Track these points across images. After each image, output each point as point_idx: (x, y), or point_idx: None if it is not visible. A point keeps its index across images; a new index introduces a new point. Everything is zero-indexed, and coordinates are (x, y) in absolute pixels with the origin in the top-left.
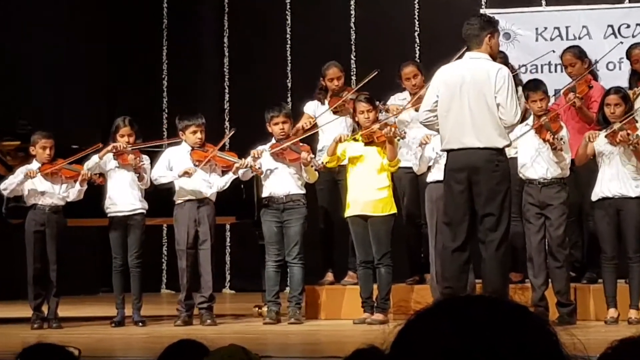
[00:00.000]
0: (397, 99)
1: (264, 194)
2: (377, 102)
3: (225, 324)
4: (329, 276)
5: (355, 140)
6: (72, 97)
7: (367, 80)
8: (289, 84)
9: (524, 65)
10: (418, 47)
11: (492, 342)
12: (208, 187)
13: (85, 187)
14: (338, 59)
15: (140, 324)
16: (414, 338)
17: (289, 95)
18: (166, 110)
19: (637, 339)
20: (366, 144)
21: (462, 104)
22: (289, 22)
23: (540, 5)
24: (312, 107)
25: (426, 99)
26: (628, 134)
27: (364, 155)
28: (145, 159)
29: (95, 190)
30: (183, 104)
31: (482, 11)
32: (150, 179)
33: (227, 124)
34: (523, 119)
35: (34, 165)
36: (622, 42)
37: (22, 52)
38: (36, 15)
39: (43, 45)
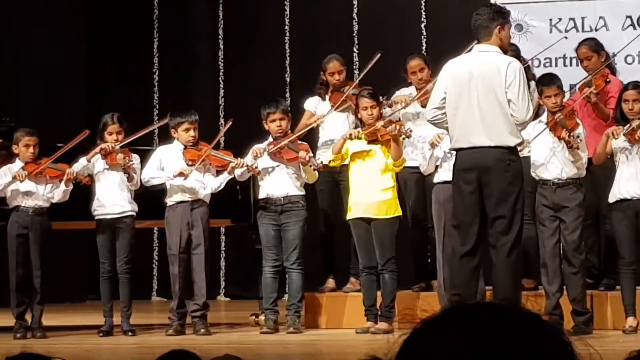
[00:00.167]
0: (403, 94)
1: (261, 195)
2: (381, 98)
3: (220, 333)
4: (330, 283)
5: (358, 138)
6: (55, 93)
7: (370, 65)
8: (288, 79)
9: (537, 58)
10: (424, 39)
11: (503, 352)
12: (202, 187)
13: (71, 187)
14: (339, 52)
15: (129, 333)
16: (421, 348)
17: (287, 90)
18: (157, 107)
19: None
20: (369, 142)
21: (470, 101)
22: (287, 12)
23: None
24: (312, 103)
25: (433, 95)
26: None
27: (367, 155)
28: (135, 158)
29: (82, 191)
30: (175, 99)
31: (492, 1)
32: (141, 180)
33: (222, 120)
34: (536, 115)
35: (17, 164)
36: None
37: (4, 47)
38: (19, 9)
39: (25, 38)
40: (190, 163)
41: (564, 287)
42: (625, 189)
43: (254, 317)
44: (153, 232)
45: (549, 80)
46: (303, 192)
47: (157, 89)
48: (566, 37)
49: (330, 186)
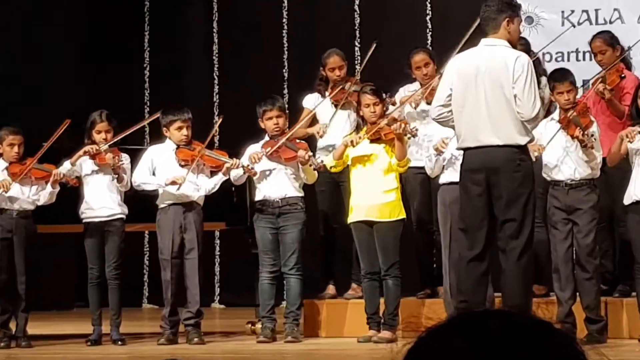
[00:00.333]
0: (407, 91)
1: (258, 197)
2: (384, 95)
3: (215, 342)
4: (330, 289)
5: (359, 143)
6: (41, 91)
7: (368, 57)
8: (286, 75)
9: (548, 53)
10: (430, 33)
11: None
12: (195, 189)
13: (57, 188)
14: (340, 46)
15: (119, 342)
16: (426, 357)
17: (285, 86)
18: (148, 104)
19: None
20: (372, 141)
21: (477, 97)
22: (285, 4)
23: None
24: (311, 101)
25: (438, 92)
26: None
27: (369, 155)
28: (125, 158)
29: (69, 193)
30: (167, 96)
31: None
32: (131, 182)
33: (216, 118)
34: (547, 112)
35: (1, 164)
36: None
37: None
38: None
39: (13, 35)
40: (183, 164)
41: (577, 293)
42: None
43: (250, 325)
44: (144, 236)
45: (562, 76)
46: (302, 194)
47: (148, 85)
48: (574, 26)
49: (330, 187)
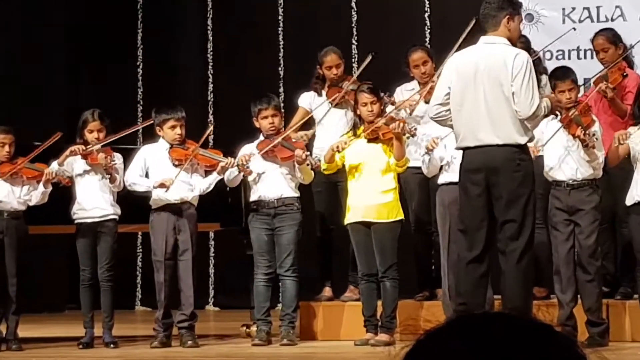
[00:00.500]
0: (405, 90)
1: (253, 197)
2: (382, 93)
3: (209, 345)
4: (327, 291)
5: (357, 136)
6: (33, 89)
7: (363, 66)
8: (281, 73)
9: (548, 51)
10: (428, 30)
11: None
12: (189, 189)
13: (49, 188)
14: (337, 44)
15: (111, 345)
16: None
17: (280, 85)
18: (141, 102)
19: None
20: (369, 140)
21: (476, 96)
22: (281, 1)
23: None
24: (307, 99)
25: (437, 91)
26: None
27: (367, 154)
28: (118, 158)
29: (61, 193)
30: (160, 95)
31: None
32: (124, 183)
33: (210, 117)
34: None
35: None
36: None
37: None
38: None
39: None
40: (176, 163)
41: (578, 296)
42: None
43: (245, 328)
44: (137, 237)
45: (563, 74)
46: (298, 194)
47: (141, 83)
48: (574, 29)
49: (327, 187)
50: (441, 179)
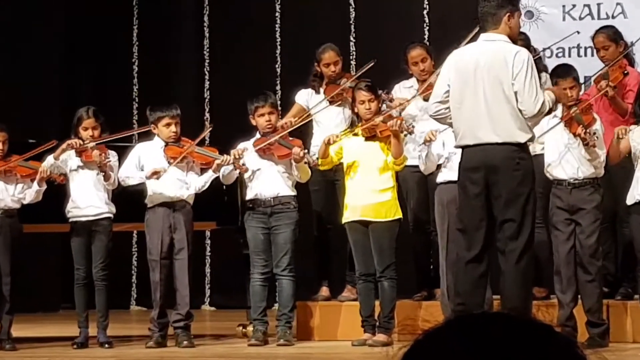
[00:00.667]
0: (403, 87)
1: (249, 195)
2: (380, 91)
3: (205, 345)
4: (324, 291)
5: (355, 134)
6: (28, 87)
7: (363, 70)
8: (278, 70)
9: (548, 48)
10: (427, 27)
11: None
12: (185, 188)
13: (44, 187)
14: (335, 41)
15: (106, 345)
16: None
17: (277, 82)
18: (137, 100)
19: None
20: (367, 138)
21: (476, 93)
22: None
23: None
24: (304, 96)
25: (436, 88)
26: None
27: (364, 153)
28: (112, 156)
29: (56, 191)
30: (156, 92)
31: None
32: (118, 179)
33: (207, 115)
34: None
35: None
36: None
37: None
38: None
39: None
40: (171, 161)
41: (579, 296)
42: None
43: (241, 328)
44: (132, 236)
45: (565, 72)
46: (294, 193)
47: (136, 80)
48: (578, 32)
49: (325, 186)
50: (440, 178)
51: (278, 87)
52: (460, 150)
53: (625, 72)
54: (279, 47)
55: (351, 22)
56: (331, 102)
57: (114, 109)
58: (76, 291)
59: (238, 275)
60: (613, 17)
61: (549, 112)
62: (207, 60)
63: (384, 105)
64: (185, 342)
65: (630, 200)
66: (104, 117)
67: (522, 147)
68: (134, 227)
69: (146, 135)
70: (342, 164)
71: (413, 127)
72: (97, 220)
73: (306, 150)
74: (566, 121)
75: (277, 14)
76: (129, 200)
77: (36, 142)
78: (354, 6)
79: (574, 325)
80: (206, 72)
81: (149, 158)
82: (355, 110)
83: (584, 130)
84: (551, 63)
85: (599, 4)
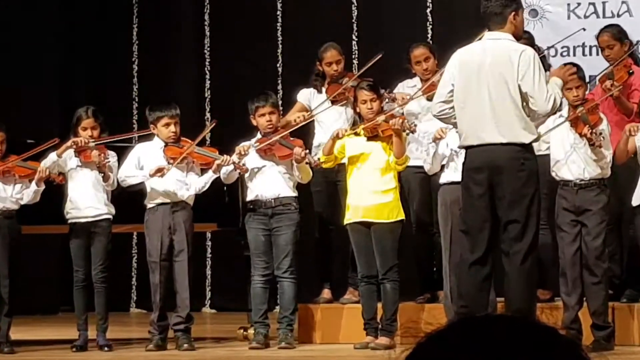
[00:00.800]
0: (406, 86)
1: (250, 196)
2: (383, 90)
3: (205, 348)
4: (326, 293)
5: (357, 134)
6: (24, 84)
7: (370, 65)
8: (280, 69)
9: (553, 47)
10: (430, 26)
11: None
12: (185, 188)
13: (42, 187)
14: (337, 40)
15: (105, 348)
16: None
17: (279, 81)
18: (136, 99)
19: None
20: (369, 138)
21: (480, 93)
22: None
23: None
24: (306, 96)
25: (440, 88)
26: None
27: (366, 152)
28: (112, 156)
29: (54, 192)
30: (156, 92)
31: None
32: (117, 180)
33: (207, 115)
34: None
35: None
36: None
37: None
38: None
39: None
40: (171, 161)
41: (584, 298)
42: None
43: (242, 330)
44: (132, 237)
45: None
46: (296, 194)
47: (136, 79)
48: (584, 29)
49: (326, 187)
50: (443, 178)
51: (279, 87)
52: (463, 150)
53: (630, 71)
54: (280, 46)
55: (353, 20)
56: (333, 102)
57: (113, 109)
58: (75, 293)
59: (239, 277)
60: (618, 15)
61: (560, 108)
62: (208, 60)
63: (389, 103)
64: (185, 345)
65: (635, 201)
66: (103, 117)
67: (527, 147)
68: (134, 228)
69: (147, 137)
70: (344, 164)
71: (415, 125)
72: (96, 221)
73: (307, 151)
74: (572, 121)
75: (278, 13)
76: (128, 201)
77: (35, 142)
78: (356, 4)
79: (579, 328)
80: (206, 72)
81: (148, 158)
82: (357, 109)
83: (590, 131)
84: (556, 62)
85: (604, 2)
